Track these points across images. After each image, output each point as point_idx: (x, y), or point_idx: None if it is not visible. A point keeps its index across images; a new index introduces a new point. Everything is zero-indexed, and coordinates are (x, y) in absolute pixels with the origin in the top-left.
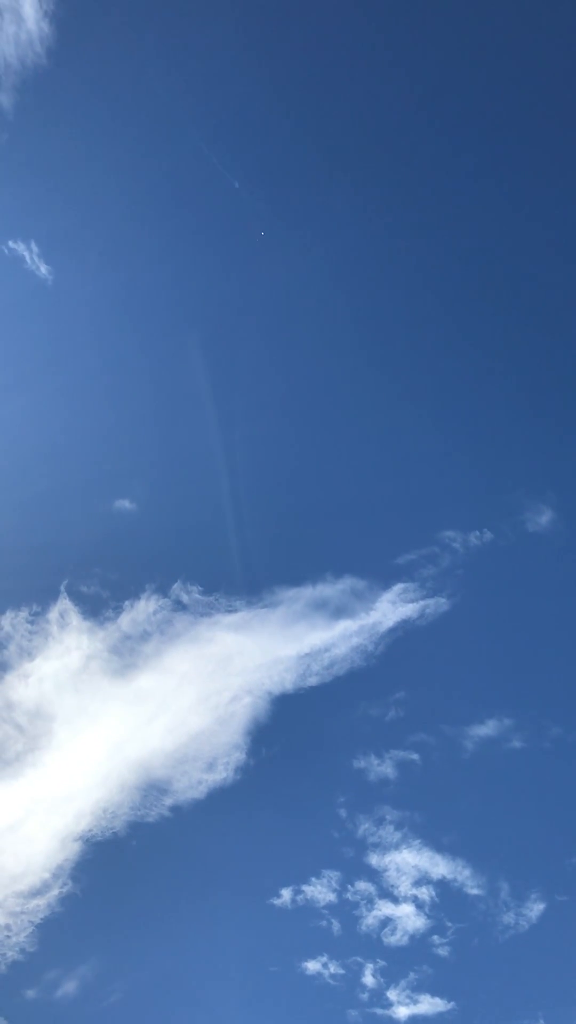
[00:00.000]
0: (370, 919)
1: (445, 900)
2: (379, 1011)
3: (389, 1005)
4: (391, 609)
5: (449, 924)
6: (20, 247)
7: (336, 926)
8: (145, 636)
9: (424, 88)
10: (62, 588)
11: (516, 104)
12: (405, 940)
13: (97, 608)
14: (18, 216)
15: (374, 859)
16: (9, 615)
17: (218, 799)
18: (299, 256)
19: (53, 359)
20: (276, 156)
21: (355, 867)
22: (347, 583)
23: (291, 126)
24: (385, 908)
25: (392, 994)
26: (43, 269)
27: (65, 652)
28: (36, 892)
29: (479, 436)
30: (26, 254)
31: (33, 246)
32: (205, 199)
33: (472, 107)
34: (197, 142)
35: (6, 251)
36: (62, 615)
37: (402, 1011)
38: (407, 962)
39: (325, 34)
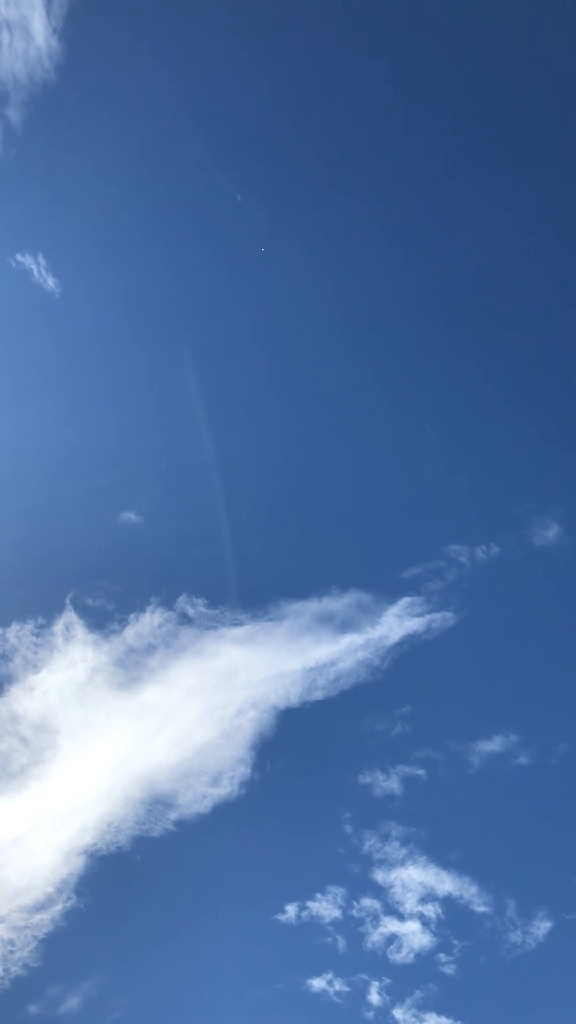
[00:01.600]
0: (376, 936)
1: (451, 917)
2: None
3: None
4: (397, 623)
5: (455, 942)
6: (28, 260)
7: (341, 943)
8: (150, 649)
9: (425, 103)
10: (67, 600)
11: (517, 119)
12: (411, 958)
13: (102, 621)
14: (26, 229)
15: (380, 875)
16: (15, 627)
17: (223, 814)
18: (301, 268)
19: (59, 371)
20: (278, 170)
21: (360, 883)
22: (353, 597)
23: (293, 141)
24: (391, 925)
25: (398, 1012)
26: (50, 282)
27: (70, 665)
28: (40, 907)
29: (486, 450)
30: (33, 267)
31: (40, 259)
32: (209, 212)
33: (473, 123)
34: (201, 156)
35: (14, 264)
36: (67, 628)
37: None
38: (413, 980)
39: (327, 51)
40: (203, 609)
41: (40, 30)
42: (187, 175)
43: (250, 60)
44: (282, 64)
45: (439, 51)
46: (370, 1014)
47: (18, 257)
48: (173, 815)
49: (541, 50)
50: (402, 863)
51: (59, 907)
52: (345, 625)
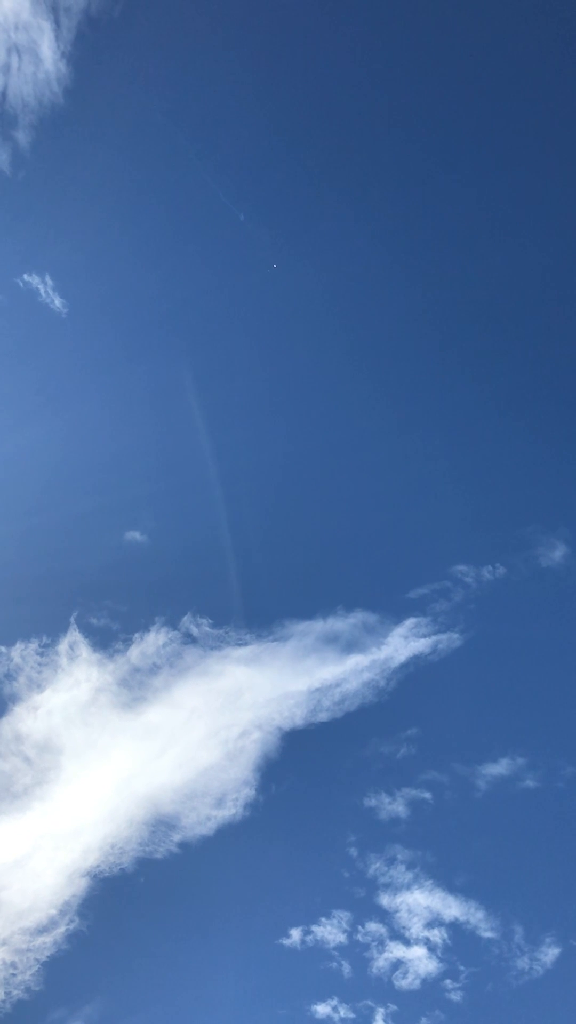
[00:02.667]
0: (381, 961)
1: (458, 943)
2: None
3: None
4: (403, 644)
5: (462, 968)
6: (35, 280)
7: (346, 968)
8: (154, 669)
9: (423, 118)
10: (72, 620)
11: (518, 134)
12: (417, 984)
13: (107, 640)
14: (33, 250)
15: (385, 899)
16: (19, 646)
17: (227, 836)
18: (305, 286)
19: (67, 390)
20: (280, 190)
21: (366, 907)
22: (358, 617)
23: (294, 162)
24: (396, 950)
25: None
26: (57, 302)
27: (74, 684)
28: (42, 929)
29: (492, 470)
30: (41, 287)
31: (48, 279)
32: (213, 232)
33: (470, 141)
34: (205, 178)
35: (21, 284)
36: (72, 647)
37: None
38: (419, 1007)
39: (326, 75)
40: (208, 629)
41: (48, 54)
42: (192, 196)
43: (252, 84)
44: (282, 88)
45: (435, 67)
46: None
47: (25, 277)
48: (177, 837)
49: (540, 77)
50: (408, 887)
51: (62, 929)
52: (350, 646)
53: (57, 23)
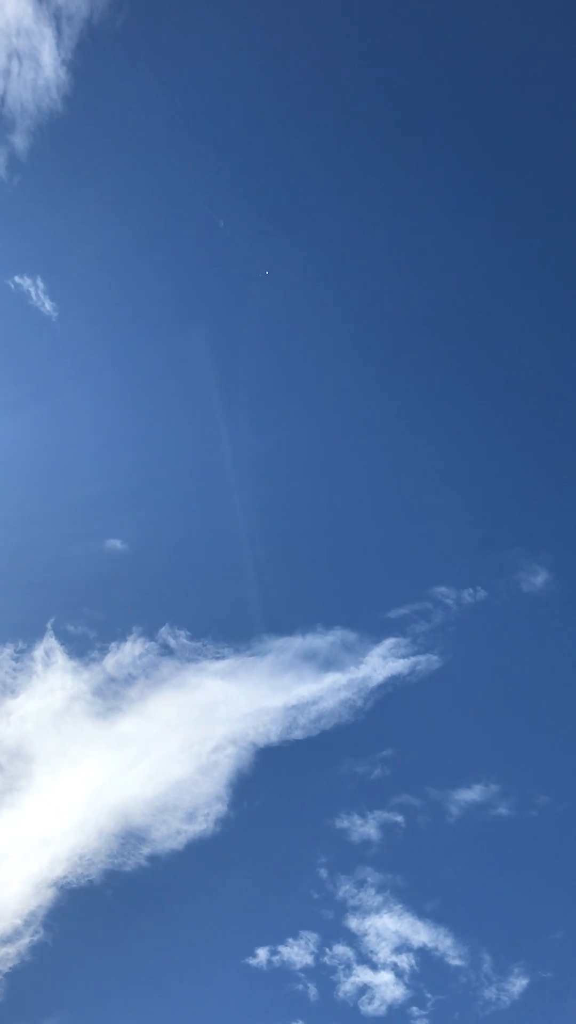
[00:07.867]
0: (348, 985)
1: (425, 969)
2: None
3: None
4: (381, 664)
5: (429, 995)
6: (26, 282)
7: (312, 991)
8: (130, 679)
9: (409, 122)
10: (49, 626)
11: (511, 153)
12: (383, 1010)
13: (83, 648)
14: (26, 252)
15: (354, 922)
16: None
17: (197, 851)
18: (295, 298)
19: (55, 393)
20: (275, 199)
21: (334, 930)
22: (337, 635)
23: (283, 173)
24: (363, 975)
25: None
26: (48, 305)
27: (49, 692)
28: (6, 939)
29: (476, 492)
30: (32, 289)
31: (39, 282)
32: (208, 238)
33: (457, 143)
34: (193, 186)
35: (12, 286)
36: (47, 653)
37: None
38: None
39: (326, 84)
40: (185, 641)
41: (49, 61)
42: (188, 205)
43: (252, 97)
44: (282, 99)
45: (424, 76)
46: None
47: (16, 279)
48: (146, 850)
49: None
50: (377, 911)
51: (26, 941)
52: (328, 663)
53: (59, 30)
